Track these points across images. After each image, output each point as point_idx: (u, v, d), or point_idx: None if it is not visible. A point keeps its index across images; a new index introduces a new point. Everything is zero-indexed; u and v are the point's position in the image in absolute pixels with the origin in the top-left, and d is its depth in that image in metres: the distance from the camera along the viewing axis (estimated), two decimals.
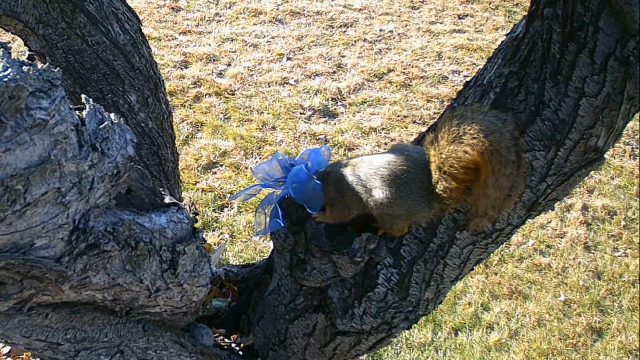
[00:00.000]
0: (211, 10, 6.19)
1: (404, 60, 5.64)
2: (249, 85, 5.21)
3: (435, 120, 1.49)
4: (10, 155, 0.84)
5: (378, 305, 1.54)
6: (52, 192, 0.93)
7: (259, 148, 4.55)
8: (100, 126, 1.06)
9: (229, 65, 5.45)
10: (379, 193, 1.34)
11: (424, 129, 2.41)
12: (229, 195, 4.14)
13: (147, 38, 2.42)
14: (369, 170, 1.37)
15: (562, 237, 4.02)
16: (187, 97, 5.00)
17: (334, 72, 5.44)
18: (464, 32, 6.07)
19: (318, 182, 1.48)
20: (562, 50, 1.22)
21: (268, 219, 1.57)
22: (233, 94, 5.09)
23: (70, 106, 0.97)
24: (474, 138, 1.20)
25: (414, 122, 4.89)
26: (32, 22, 2.08)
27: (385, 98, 5.15)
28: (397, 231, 1.45)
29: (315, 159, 1.54)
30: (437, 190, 1.29)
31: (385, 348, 3.21)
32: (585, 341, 3.39)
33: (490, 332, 3.42)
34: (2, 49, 0.86)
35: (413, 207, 1.33)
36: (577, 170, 1.33)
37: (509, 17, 6.32)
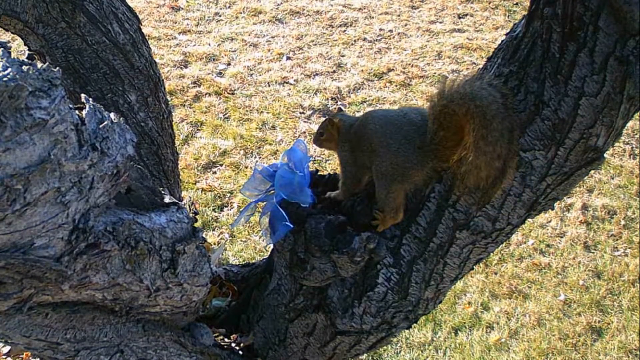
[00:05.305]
0: (211, 9, 6.18)
1: (404, 59, 5.64)
2: (249, 84, 5.21)
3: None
4: (10, 155, 0.84)
5: (378, 304, 1.54)
6: (52, 192, 0.93)
7: (259, 147, 4.55)
8: (100, 126, 1.06)
9: (229, 64, 5.45)
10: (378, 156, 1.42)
11: None
12: (228, 194, 4.14)
13: (146, 37, 2.42)
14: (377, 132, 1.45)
15: (562, 237, 4.02)
16: (187, 96, 5.00)
17: (334, 71, 5.44)
18: (464, 32, 6.07)
19: (301, 174, 1.51)
20: (561, 50, 1.22)
21: (273, 225, 1.58)
22: (233, 94, 5.09)
23: (70, 106, 0.97)
24: (462, 99, 1.27)
25: None
26: (32, 21, 2.08)
27: (385, 97, 5.15)
28: (393, 208, 1.45)
29: (295, 157, 1.58)
30: (434, 142, 1.36)
31: (385, 347, 3.21)
32: (585, 341, 3.39)
33: (490, 332, 3.42)
34: (2, 49, 0.86)
35: (405, 162, 1.39)
36: (577, 169, 1.33)
37: (508, 16, 6.32)
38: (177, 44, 5.63)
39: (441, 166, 1.39)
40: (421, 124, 1.40)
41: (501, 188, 1.34)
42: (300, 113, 4.91)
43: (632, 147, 4.72)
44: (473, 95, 1.27)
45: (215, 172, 4.32)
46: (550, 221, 4.12)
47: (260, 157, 4.45)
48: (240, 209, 4.03)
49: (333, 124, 1.56)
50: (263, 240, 3.76)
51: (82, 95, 1.08)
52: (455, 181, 1.38)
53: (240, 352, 1.80)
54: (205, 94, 5.05)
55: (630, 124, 3.95)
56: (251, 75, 5.33)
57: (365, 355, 3.11)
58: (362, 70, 5.45)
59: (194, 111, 4.86)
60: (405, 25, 6.16)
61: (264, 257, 2.08)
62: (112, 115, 1.13)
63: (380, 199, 1.45)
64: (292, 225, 1.50)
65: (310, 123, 4.80)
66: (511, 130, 1.27)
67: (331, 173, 1.69)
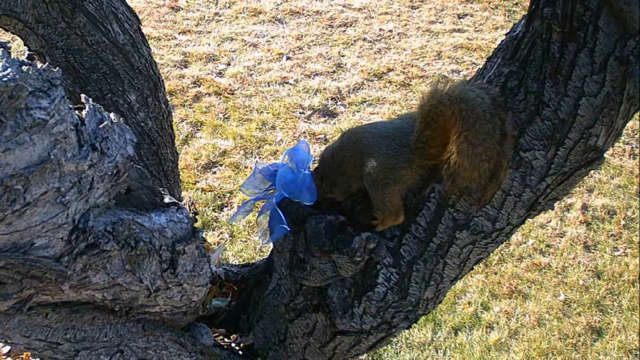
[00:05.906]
0: (211, 9, 6.18)
1: (404, 59, 5.64)
2: (249, 84, 5.21)
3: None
4: (10, 155, 0.84)
5: (378, 304, 1.54)
6: (51, 192, 0.93)
7: (259, 148, 4.55)
8: (100, 126, 1.06)
9: (229, 64, 5.45)
10: (369, 162, 1.43)
11: None
12: (228, 194, 4.14)
13: (146, 37, 2.42)
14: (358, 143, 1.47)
15: (561, 237, 4.02)
16: (187, 96, 5.00)
17: (334, 71, 5.44)
18: (464, 32, 6.07)
19: (307, 172, 1.50)
20: (561, 50, 1.22)
21: (271, 226, 1.57)
22: (233, 94, 5.09)
23: (70, 106, 0.97)
24: (450, 100, 1.28)
25: None
26: (32, 21, 2.08)
27: (384, 97, 5.15)
28: (392, 211, 1.45)
29: (297, 157, 1.57)
30: (420, 140, 1.37)
31: (385, 347, 3.21)
32: (585, 341, 3.39)
33: (490, 332, 3.42)
34: (1, 49, 0.86)
35: (393, 162, 1.39)
36: (577, 169, 1.33)
37: (508, 16, 6.32)
38: (177, 44, 5.63)
39: (428, 163, 1.39)
40: (406, 126, 1.41)
41: (500, 188, 1.34)
42: (300, 113, 4.91)
43: (632, 147, 4.72)
44: (461, 97, 1.27)
45: (215, 172, 4.32)
46: (550, 221, 4.12)
47: (260, 157, 4.45)
48: None
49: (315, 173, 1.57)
50: (261, 240, 3.76)
51: (82, 95, 1.08)
52: (447, 184, 1.38)
53: (240, 352, 1.80)
54: (205, 94, 5.05)
55: (630, 124, 3.94)
56: (251, 75, 5.33)
57: (365, 355, 3.11)
58: (362, 70, 5.45)
59: (194, 111, 4.86)
60: (405, 25, 6.16)
61: (264, 257, 2.08)
62: (112, 115, 1.13)
63: (378, 205, 1.45)
64: (288, 228, 1.49)
65: (310, 123, 4.80)
66: (501, 132, 1.27)
67: None
